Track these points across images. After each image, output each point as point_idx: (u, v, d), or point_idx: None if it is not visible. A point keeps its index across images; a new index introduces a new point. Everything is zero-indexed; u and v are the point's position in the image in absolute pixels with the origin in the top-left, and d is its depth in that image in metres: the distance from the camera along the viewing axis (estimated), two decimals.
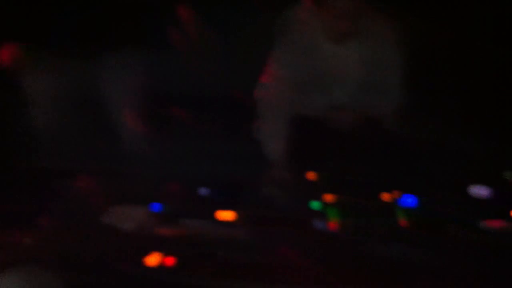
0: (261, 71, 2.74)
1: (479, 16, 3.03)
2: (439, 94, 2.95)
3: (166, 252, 2.15)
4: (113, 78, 2.64)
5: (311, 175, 2.55)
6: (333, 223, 2.26)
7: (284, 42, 2.71)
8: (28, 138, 2.59)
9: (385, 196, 2.40)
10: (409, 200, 2.37)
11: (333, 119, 2.82)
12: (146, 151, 2.72)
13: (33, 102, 2.62)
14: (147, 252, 2.16)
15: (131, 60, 2.63)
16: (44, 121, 2.62)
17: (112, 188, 2.50)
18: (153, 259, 2.14)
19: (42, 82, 2.60)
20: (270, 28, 2.76)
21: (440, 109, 2.88)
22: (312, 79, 2.76)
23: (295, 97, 2.78)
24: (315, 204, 2.35)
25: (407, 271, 2.07)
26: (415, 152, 2.62)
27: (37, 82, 2.60)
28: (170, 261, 2.14)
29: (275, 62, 2.73)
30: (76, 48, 2.52)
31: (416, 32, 2.99)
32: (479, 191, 2.39)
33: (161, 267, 2.11)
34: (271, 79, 2.75)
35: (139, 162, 2.68)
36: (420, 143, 2.71)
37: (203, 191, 2.40)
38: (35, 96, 2.61)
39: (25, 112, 2.62)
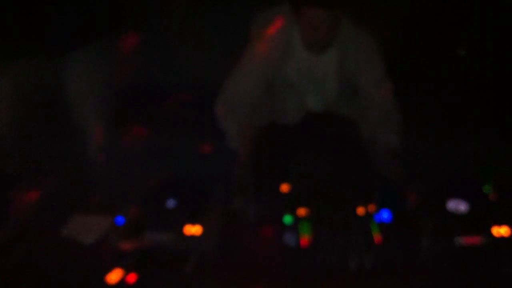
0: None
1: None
2: (419, 102, 2.88)
3: (129, 268, 2.03)
4: (76, 76, 2.48)
5: (284, 187, 2.44)
6: (305, 238, 2.16)
7: (258, 45, 2.62)
8: None
9: (360, 210, 2.30)
10: (384, 215, 2.28)
11: (308, 127, 2.73)
12: (111, 155, 2.59)
13: None
14: (108, 268, 2.04)
15: (95, 57, 2.48)
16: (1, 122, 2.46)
17: (73, 195, 2.37)
18: (114, 276, 2.02)
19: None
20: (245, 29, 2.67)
21: (419, 119, 2.81)
22: (286, 84, 2.67)
23: (267, 103, 2.69)
24: (287, 218, 2.24)
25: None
26: (391, 163, 2.54)
27: None
28: (132, 278, 2.03)
29: (247, 64, 2.64)
30: (36, 45, 2.36)
31: (394, 40, 2.93)
32: (457, 205, 2.31)
33: (123, 285, 2.00)
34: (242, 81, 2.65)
35: (103, 167, 2.56)
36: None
37: (170, 203, 2.28)
38: None
39: None
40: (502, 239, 2.16)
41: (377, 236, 2.18)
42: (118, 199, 2.30)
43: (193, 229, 2.17)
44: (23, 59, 2.39)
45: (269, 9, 2.66)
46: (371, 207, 2.31)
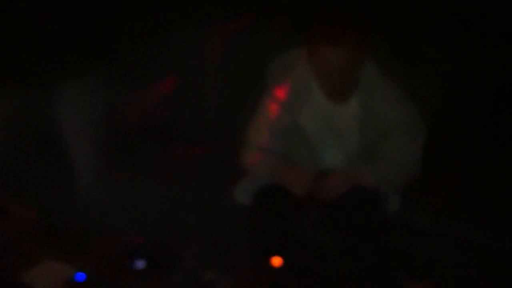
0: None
1: None
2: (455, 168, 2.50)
3: None
4: (69, 108, 2.31)
5: (276, 261, 2.15)
6: None
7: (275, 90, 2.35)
8: None
9: None
10: None
11: (317, 190, 2.40)
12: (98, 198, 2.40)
13: None
14: None
15: (90, 90, 2.29)
16: None
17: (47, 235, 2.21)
18: None
19: None
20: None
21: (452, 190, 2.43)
22: (300, 136, 2.37)
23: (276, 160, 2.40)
24: None
25: None
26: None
27: None
28: None
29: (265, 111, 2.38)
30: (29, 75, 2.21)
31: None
32: None
33: None
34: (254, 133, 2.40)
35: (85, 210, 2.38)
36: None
37: (139, 264, 2.06)
38: None
39: None
40: None
41: None
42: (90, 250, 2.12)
43: None
44: (15, 89, 2.25)
45: (286, 52, 2.39)
46: None
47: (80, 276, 2.02)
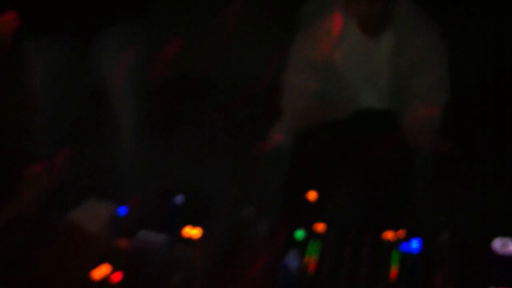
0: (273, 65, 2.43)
1: None
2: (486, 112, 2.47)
3: (116, 266, 1.92)
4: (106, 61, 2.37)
5: (311, 195, 2.19)
6: (310, 261, 1.92)
7: (304, 30, 2.37)
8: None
9: (387, 235, 2.01)
10: (414, 244, 1.96)
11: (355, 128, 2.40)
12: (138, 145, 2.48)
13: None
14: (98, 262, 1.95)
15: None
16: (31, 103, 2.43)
17: (90, 180, 2.31)
18: (99, 272, 1.92)
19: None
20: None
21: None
22: (332, 76, 2.38)
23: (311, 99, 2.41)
24: (299, 234, 2.01)
25: None
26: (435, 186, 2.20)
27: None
28: (117, 277, 1.92)
29: (291, 54, 2.40)
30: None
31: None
32: (504, 246, 1.93)
33: (106, 282, 1.90)
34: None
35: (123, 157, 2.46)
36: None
37: (178, 199, 2.13)
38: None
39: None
40: None
41: (394, 270, 1.89)
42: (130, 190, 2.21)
43: (192, 232, 2.01)
44: (53, 42, 2.32)
45: None
46: (401, 233, 2.01)
47: (123, 209, 2.11)
